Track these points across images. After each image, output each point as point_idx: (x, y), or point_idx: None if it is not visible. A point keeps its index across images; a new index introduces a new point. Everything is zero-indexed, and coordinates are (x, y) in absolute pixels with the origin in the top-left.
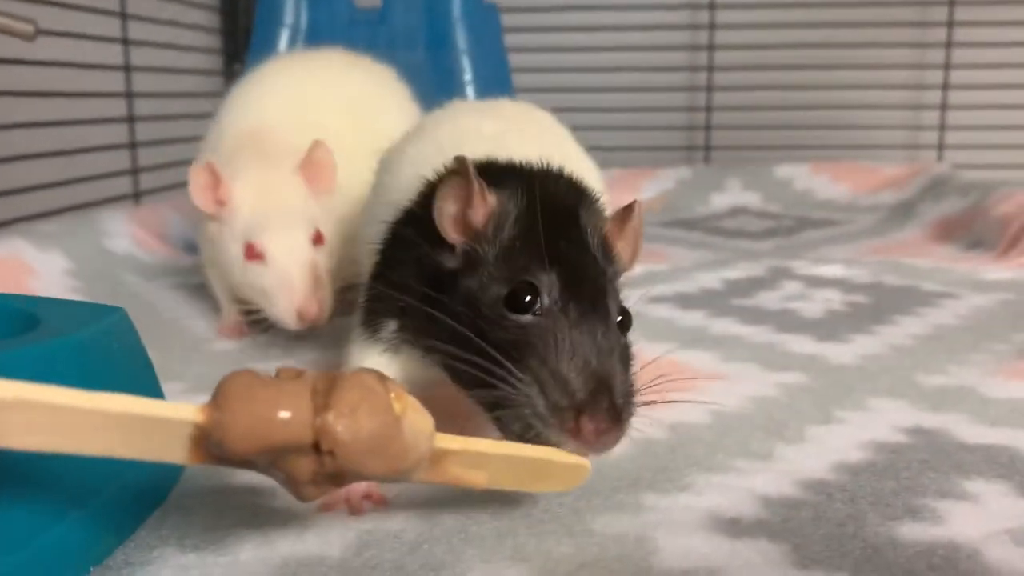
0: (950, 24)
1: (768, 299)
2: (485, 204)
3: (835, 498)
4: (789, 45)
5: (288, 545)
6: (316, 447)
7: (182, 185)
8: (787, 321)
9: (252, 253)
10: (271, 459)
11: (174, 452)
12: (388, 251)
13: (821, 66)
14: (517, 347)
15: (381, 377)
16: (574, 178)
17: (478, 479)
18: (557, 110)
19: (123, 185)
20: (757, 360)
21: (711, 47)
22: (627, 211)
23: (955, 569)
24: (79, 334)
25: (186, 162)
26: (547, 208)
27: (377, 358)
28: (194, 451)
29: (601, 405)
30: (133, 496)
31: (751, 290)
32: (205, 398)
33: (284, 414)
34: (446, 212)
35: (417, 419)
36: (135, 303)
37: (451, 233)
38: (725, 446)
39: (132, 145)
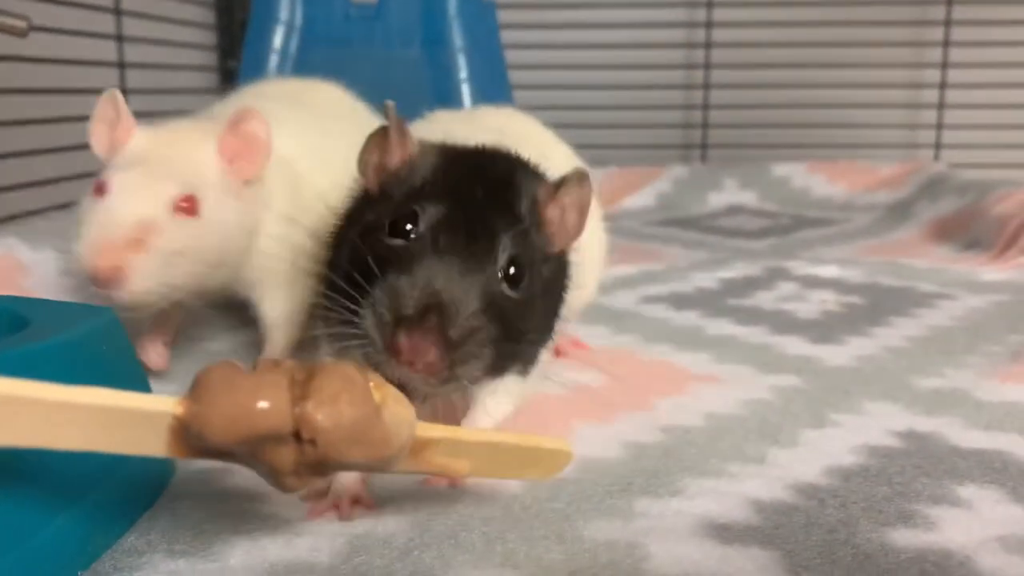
0: (947, 23)
1: (764, 299)
2: (404, 148)
3: (827, 504)
4: (786, 44)
5: (277, 550)
6: (297, 436)
7: None
8: (782, 322)
9: (97, 188)
10: (251, 450)
11: (153, 445)
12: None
13: (818, 65)
14: (381, 271)
15: (360, 367)
16: (527, 159)
17: (461, 468)
18: (553, 108)
19: None
20: (751, 362)
21: (708, 45)
22: (565, 179)
23: None
24: (67, 336)
25: None
26: (474, 166)
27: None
28: (174, 444)
29: (427, 323)
30: (121, 500)
31: (747, 290)
32: None
33: (263, 404)
34: (369, 161)
35: (398, 408)
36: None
37: (371, 180)
38: (718, 450)
39: None
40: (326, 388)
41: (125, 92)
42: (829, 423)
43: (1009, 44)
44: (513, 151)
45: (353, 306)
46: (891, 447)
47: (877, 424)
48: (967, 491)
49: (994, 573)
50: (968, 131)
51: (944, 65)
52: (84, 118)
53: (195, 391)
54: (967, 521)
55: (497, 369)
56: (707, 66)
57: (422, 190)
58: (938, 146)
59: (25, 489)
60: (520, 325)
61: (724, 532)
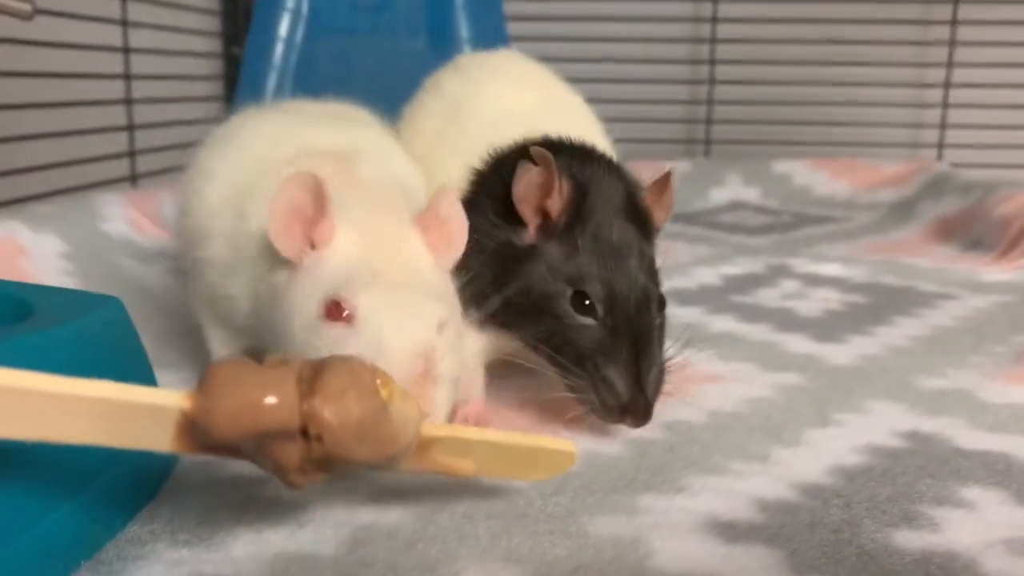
0: (954, 22)
1: (766, 297)
2: (562, 196)
3: (831, 503)
4: (792, 40)
5: (281, 541)
6: (304, 433)
7: (179, 168)
8: (785, 320)
9: (336, 313)
10: (258, 446)
11: (159, 440)
12: None
13: (823, 62)
14: (578, 344)
15: (367, 363)
16: (606, 155)
17: (465, 467)
18: None
19: (120, 167)
20: (755, 360)
21: (713, 40)
22: (663, 182)
23: None
24: (73, 324)
25: (184, 145)
26: (603, 201)
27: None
28: (180, 439)
29: (638, 407)
30: (124, 489)
31: (749, 287)
32: None
33: (271, 399)
34: (527, 198)
35: (404, 405)
36: (130, 288)
37: (531, 217)
38: (722, 447)
39: (130, 127)
40: (333, 384)
41: (129, 77)
42: (832, 422)
43: (1015, 44)
44: (594, 148)
45: (570, 379)
46: (895, 447)
47: (881, 424)
48: (971, 493)
49: None
50: (972, 131)
51: (949, 64)
52: (87, 103)
53: (202, 386)
54: (972, 523)
55: None
56: (712, 61)
57: (578, 248)
58: (941, 145)
59: (27, 479)
60: (662, 340)
61: (728, 530)
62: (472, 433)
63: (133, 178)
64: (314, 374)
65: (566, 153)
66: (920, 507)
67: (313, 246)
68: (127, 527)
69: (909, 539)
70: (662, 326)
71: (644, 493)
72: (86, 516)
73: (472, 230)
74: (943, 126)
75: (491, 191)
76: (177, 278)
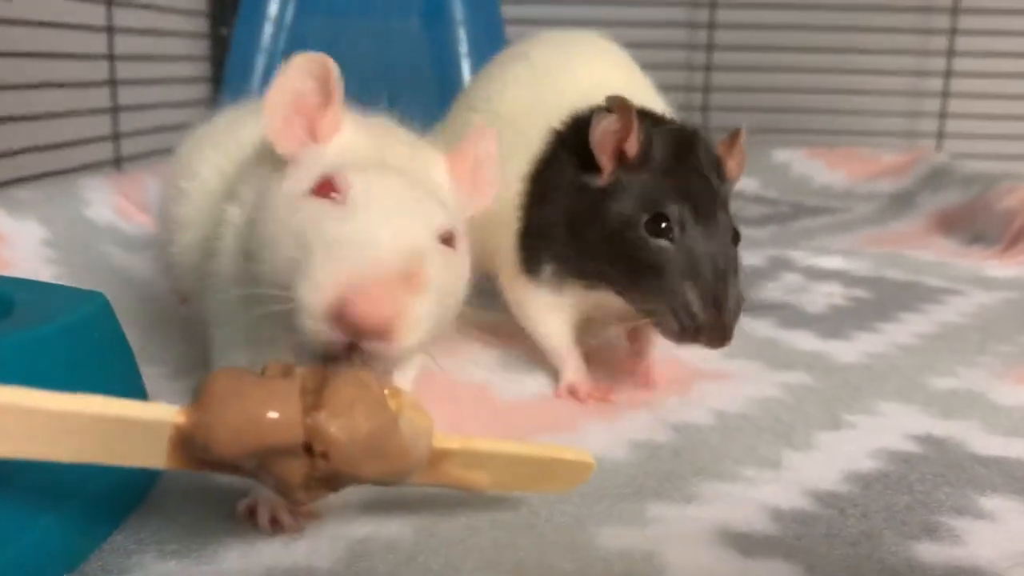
0: (954, 11)
1: (769, 291)
2: (639, 138)
3: (848, 513)
4: (790, 27)
5: (274, 553)
6: (308, 449)
7: (165, 151)
8: (789, 315)
9: (327, 188)
10: (259, 463)
11: (153, 457)
12: (535, 187)
13: (822, 49)
14: (654, 267)
15: (374, 375)
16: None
17: (480, 481)
18: None
19: (103, 150)
20: (760, 358)
21: (711, 26)
22: (735, 136)
23: None
24: (56, 323)
25: (170, 127)
26: (675, 143)
27: (548, 298)
28: (175, 455)
29: (715, 327)
30: (109, 497)
31: (752, 280)
32: (187, 382)
33: (273, 414)
34: (603, 143)
35: (415, 417)
36: (115, 278)
37: (607, 162)
38: (731, 451)
39: (114, 109)
40: (340, 397)
41: (113, 58)
42: (844, 424)
43: (1016, 34)
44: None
45: (646, 304)
46: (909, 452)
47: (893, 426)
48: (991, 502)
49: None
50: (972, 121)
51: (949, 53)
52: (67, 84)
53: (199, 399)
54: (994, 535)
55: None
56: (709, 47)
57: (656, 182)
58: (941, 135)
59: (8, 490)
60: (738, 268)
61: (744, 542)
62: (486, 445)
63: (117, 161)
64: (319, 386)
65: (642, 113)
66: (940, 518)
67: (315, 139)
68: (112, 537)
69: (932, 552)
70: (736, 258)
71: (653, 501)
72: (70, 526)
73: (551, 187)
74: (942, 115)
75: (569, 147)
76: (164, 267)
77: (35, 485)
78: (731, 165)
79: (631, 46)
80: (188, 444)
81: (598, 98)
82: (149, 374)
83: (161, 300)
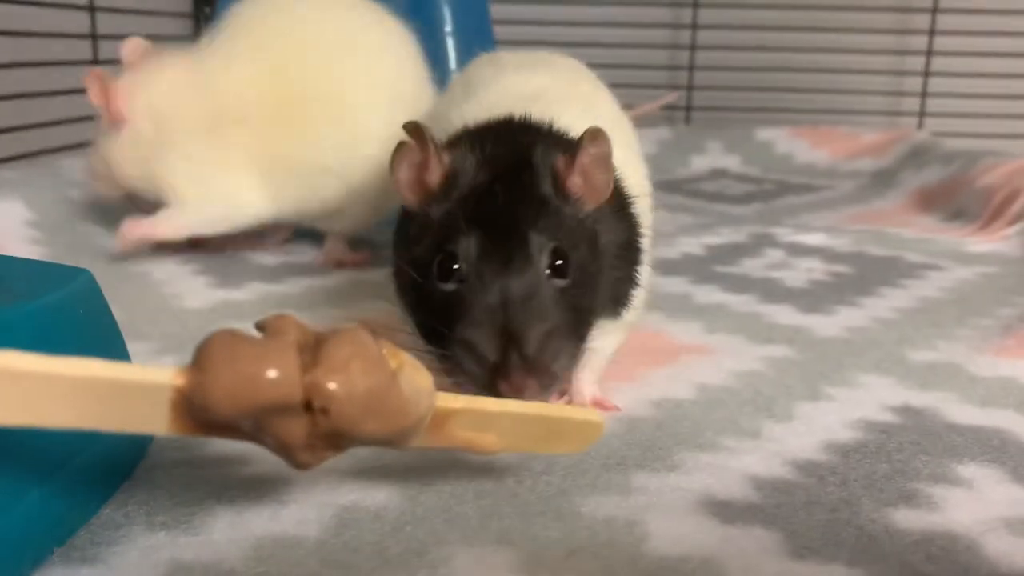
0: None
1: (751, 267)
2: (440, 165)
3: (827, 481)
4: (773, 6)
5: (263, 523)
6: (308, 407)
7: None
8: (771, 290)
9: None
10: (259, 423)
11: (153, 421)
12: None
13: (805, 28)
14: (446, 314)
15: (373, 332)
16: (550, 123)
17: (487, 443)
18: None
19: (85, 131)
20: (741, 332)
21: (696, 4)
22: (578, 141)
23: (954, 562)
24: (42, 300)
25: None
26: (494, 159)
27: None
28: (175, 419)
29: (511, 363)
30: (97, 471)
31: (734, 257)
32: (175, 359)
33: (270, 372)
34: (403, 177)
35: (415, 375)
36: (99, 257)
37: (410, 197)
38: (712, 423)
39: None
40: (338, 354)
41: (95, 37)
42: (823, 396)
43: (998, 12)
44: (533, 118)
45: (440, 350)
46: (888, 422)
47: (872, 398)
48: (967, 470)
49: (1002, 558)
50: (953, 99)
51: (931, 32)
52: (48, 63)
53: (196, 360)
54: (970, 502)
55: (584, 343)
56: (694, 26)
57: (453, 213)
58: (922, 114)
59: None
60: (588, 300)
61: (724, 510)
62: (492, 404)
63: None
64: (316, 344)
65: (479, 134)
66: (917, 485)
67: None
68: (101, 510)
69: (909, 519)
70: (556, 291)
71: (636, 471)
72: (57, 501)
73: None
74: (924, 94)
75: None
76: (147, 247)
77: (22, 460)
78: (574, 181)
79: (611, 38)
80: (188, 407)
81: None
82: (135, 351)
83: (145, 278)
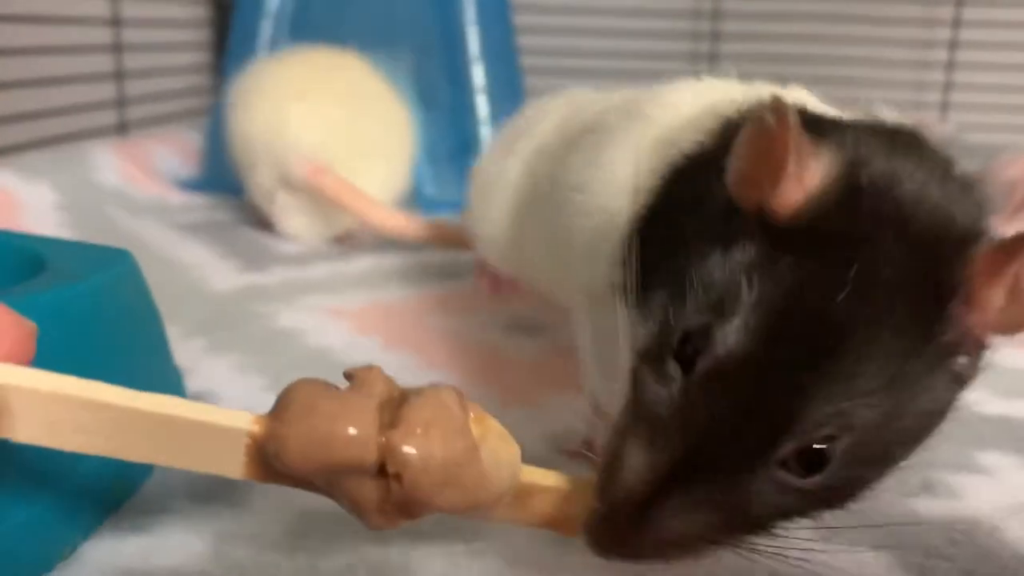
0: None
1: None
2: (800, 184)
3: None
4: None
5: (304, 496)
6: (383, 470)
7: (168, 118)
8: None
9: None
10: (332, 481)
11: (227, 464)
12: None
13: (826, 18)
14: (642, 405)
15: (459, 395)
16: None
17: (574, 523)
18: (557, 54)
19: (107, 117)
20: None
21: None
22: (1018, 245)
23: (976, 546)
24: (90, 280)
25: (171, 94)
26: (894, 212)
27: None
28: (249, 465)
29: (620, 525)
30: (100, 487)
31: None
32: (203, 342)
33: (345, 429)
34: (741, 171)
35: (500, 446)
36: (126, 241)
37: (744, 200)
38: None
39: (118, 75)
40: (418, 417)
41: (118, 23)
42: None
43: (1023, 5)
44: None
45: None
46: None
47: None
48: (990, 458)
49: (1022, 544)
50: (976, 93)
51: (955, 24)
52: (70, 49)
53: (275, 409)
54: (992, 489)
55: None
56: (714, 16)
57: (761, 277)
58: (945, 107)
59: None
60: (830, 496)
61: None
62: (583, 483)
63: (122, 127)
64: (398, 403)
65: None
66: (939, 474)
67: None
68: (143, 484)
69: (931, 506)
70: (803, 482)
71: None
72: (59, 512)
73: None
74: (947, 87)
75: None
76: (173, 231)
77: (29, 468)
78: (989, 300)
79: (636, 13)
80: (262, 455)
81: None
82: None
83: (173, 262)
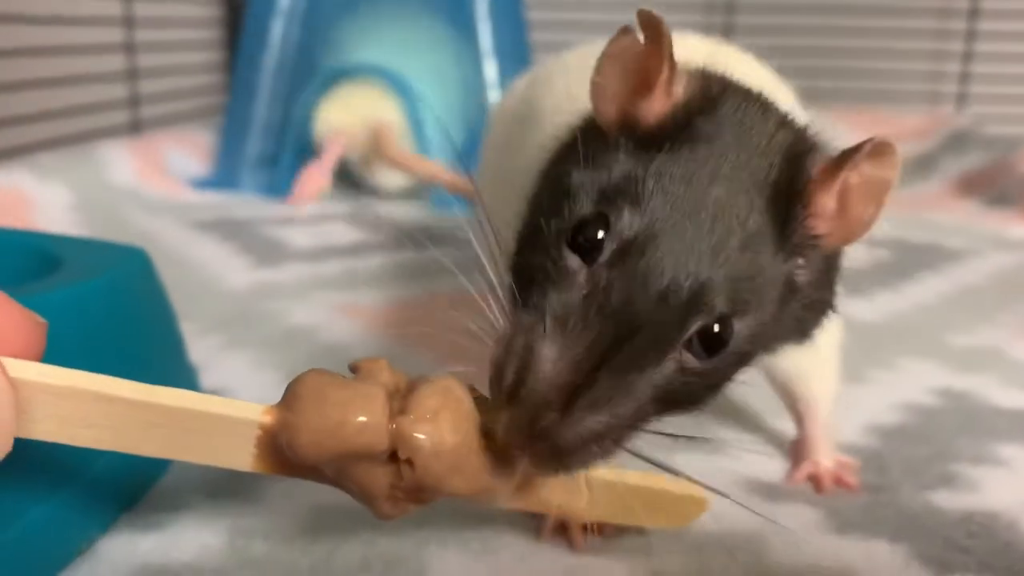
0: None
1: None
2: (667, 92)
3: (869, 465)
4: None
5: (318, 492)
6: (392, 457)
7: (180, 117)
8: None
9: None
10: (341, 468)
11: (237, 457)
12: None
13: (842, 10)
14: (543, 286)
15: (466, 384)
16: (807, 121)
17: (576, 508)
18: (573, 28)
19: (119, 116)
20: None
21: None
22: (851, 151)
23: (995, 538)
24: (105, 277)
25: (185, 93)
26: (739, 132)
27: None
28: (260, 456)
29: (530, 413)
30: (116, 480)
31: None
32: (218, 338)
33: (357, 417)
34: (611, 83)
35: None
36: (139, 240)
37: (606, 111)
38: (756, 405)
39: (131, 74)
40: (427, 404)
41: (130, 24)
42: (866, 379)
43: None
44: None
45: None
46: (929, 405)
47: (913, 381)
48: (1008, 451)
49: None
50: (994, 84)
51: (973, 13)
52: (82, 49)
53: (285, 399)
54: (1010, 482)
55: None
56: (729, 8)
57: (640, 175)
58: (961, 98)
59: (23, 465)
60: (716, 382)
61: (768, 489)
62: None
63: (135, 126)
64: (407, 391)
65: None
66: (958, 466)
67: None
68: (160, 480)
69: (949, 498)
70: (699, 363)
71: (679, 452)
72: (77, 506)
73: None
74: (964, 77)
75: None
76: (186, 230)
77: (44, 465)
78: (824, 205)
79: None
80: (273, 446)
81: None
82: (188, 330)
83: (186, 260)
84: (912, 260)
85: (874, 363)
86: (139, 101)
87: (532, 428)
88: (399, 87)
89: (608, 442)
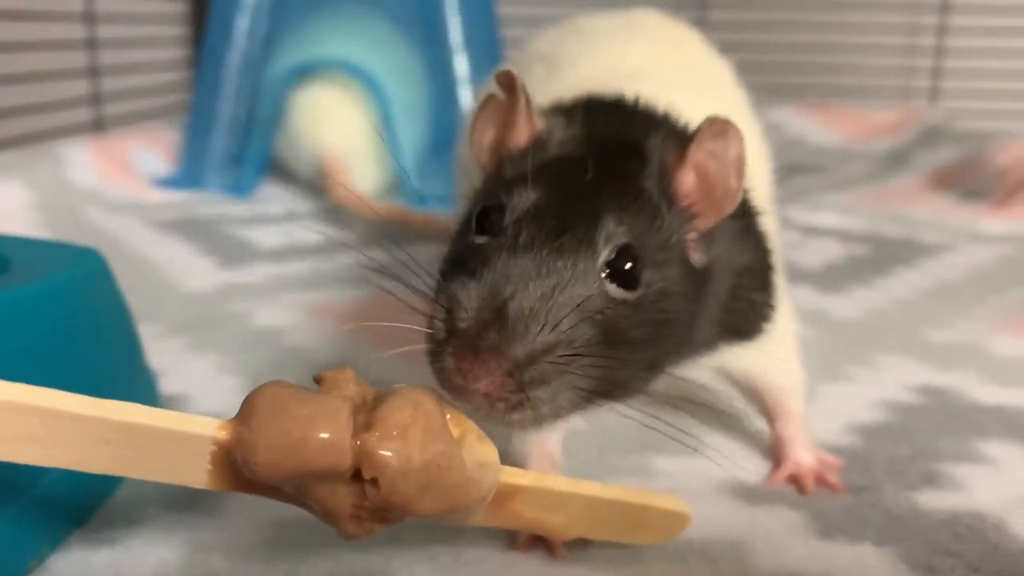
0: None
1: None
2: (529, 126)
3: (851, 466)
4: None
5: (277, 506)
6: (357, 475)
7: (144, 115)
8: (788, 271)
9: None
10: (301, 487)
11: (190, 473)
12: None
13: (813, 5)
14: (460, 270)
15: (436, 395)
16: (669, 110)
17: (555, 525)
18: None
19: (81, 114)
20: None
21: None
22: (698, 131)
23: (982, 541)
24: (55, 279)
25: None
26: (595, 136)
27: None
28: (214, 473)
29: (483, 340)
30: (69, 495)
31: None
32: (179, 342)
33: (319, 434)
34: (482, 138)
35: (479, 447)
36: (101, 240)
37: (484, 162)
38: (734, 406)
39: (93, 72)
40: (394, 419)
41: (92, 20)
42: (844, 377)
43: None
44: (660, 100)
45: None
46: (909, 403)
47: (892, 378)
48: (992, 448)
49: None
50: (966, 79)
51: (944, 8)
52: (43, 45)
53: (242, 413)
54: (995, 481)
55: (608, 391)
56: (702, 4)
57: (525, 174)
58: (934, 93)
59: None
60: (660, 333)
61: (750, 493)
62: (564, 484)
63: (98, 124)
64: (374, 404)
65: (591, 104)
66: (941, 465)
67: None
68: (116, 493)
69: (934, 499)
70: (625, 293)
71: (658, 456)
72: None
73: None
74: (935, 73)
75: None
76: (149, 230)
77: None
78: (683, 180)
79: (626, 4)
80: (229, 463)
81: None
82: (142, 334)
83: (146, 261)
84: (887, 255)
85: (852, 360)
86: (102, 99)
87: (477, 345)
88: (367, 83)
89: (564, 367)
